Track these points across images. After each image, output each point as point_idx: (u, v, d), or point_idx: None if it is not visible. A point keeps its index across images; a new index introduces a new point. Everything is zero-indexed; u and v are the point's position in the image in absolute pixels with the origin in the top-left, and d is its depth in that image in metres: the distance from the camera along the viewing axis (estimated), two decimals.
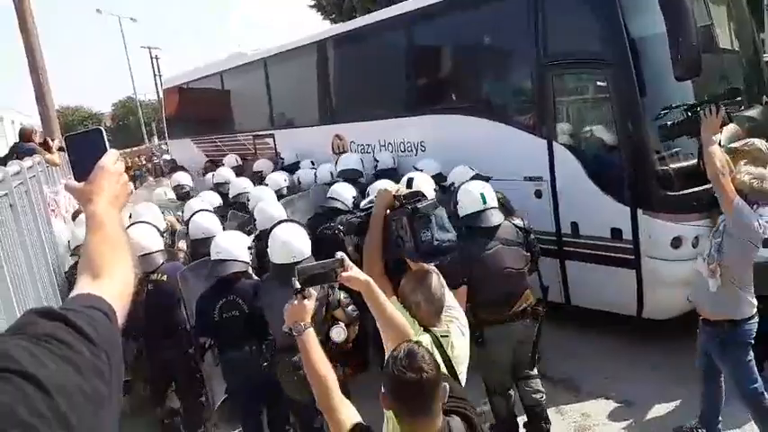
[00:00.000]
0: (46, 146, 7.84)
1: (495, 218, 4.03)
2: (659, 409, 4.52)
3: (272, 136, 10.09)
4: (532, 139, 5.86)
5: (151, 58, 37.39)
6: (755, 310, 3.67)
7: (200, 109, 12.80)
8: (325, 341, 3.46)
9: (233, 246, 4.14)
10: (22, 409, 0.74)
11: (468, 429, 2.08)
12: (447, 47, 7.29)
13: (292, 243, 3.79)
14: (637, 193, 5.08)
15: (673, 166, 5.08)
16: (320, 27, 8.93)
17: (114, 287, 1.08)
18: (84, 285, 1.07)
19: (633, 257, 5.14)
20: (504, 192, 4.81)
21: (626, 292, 5.23)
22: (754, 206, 3.51)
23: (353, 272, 2.24)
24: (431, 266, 2.81)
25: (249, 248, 4.25)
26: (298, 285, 2.14)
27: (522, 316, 3.96)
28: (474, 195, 4.07)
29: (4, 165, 4.58)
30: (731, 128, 4.47)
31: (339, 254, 2.27)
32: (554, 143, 5.67)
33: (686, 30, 4.57)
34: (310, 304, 2.17)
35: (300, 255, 3.73)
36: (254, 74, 10.29)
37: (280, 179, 7.21)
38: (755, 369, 3.73)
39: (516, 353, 4.00)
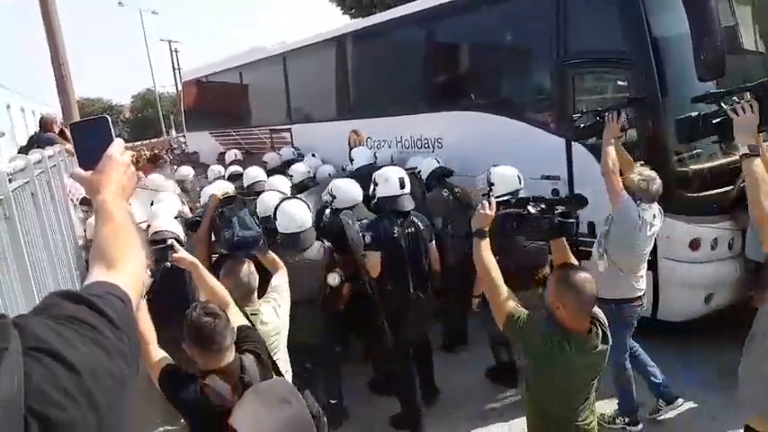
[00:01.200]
0: (64, 136, 7.93)
1: (408, 204, 4.67)
2: (669, 412, 4.48)
3: (289, 130, 10.13)
4: (551, 137, 5.83)
5: (171, 51, 37.66)
6: (640, 292, 4.18)
7: (219, 102, 12.88)
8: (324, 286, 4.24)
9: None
10: (51, 388, 0.75)
11: (258, 362, 2.56)
12: (466, 44, 7.26)
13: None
14: None
15: (692, 167, 5.03)
16: (336, 23, 8.95)
17: (128, 278, 1.09)
18: (97, 275, 1.08)
19: (650, 258, 5.08)
20: (523, 190, 4.80)
21: None
22: (638, 202, 4.00)
23: (182, 254, 2.95)
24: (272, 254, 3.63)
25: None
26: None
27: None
28: (393, 181, 4.71)
29: (26, 154, 4.63)
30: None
31: (169, 241, 3.09)
32: (573, 142, 5.63)
33: (710, 30, 4.50)
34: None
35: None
36: (272, 68, 10.33)
37: (303, 169, 7.23)
38: (627, 343, 4.26)
39: None
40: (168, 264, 3.18)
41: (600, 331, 2.67)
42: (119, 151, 1.28)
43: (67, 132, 7.99)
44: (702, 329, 5.08)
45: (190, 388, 2.42)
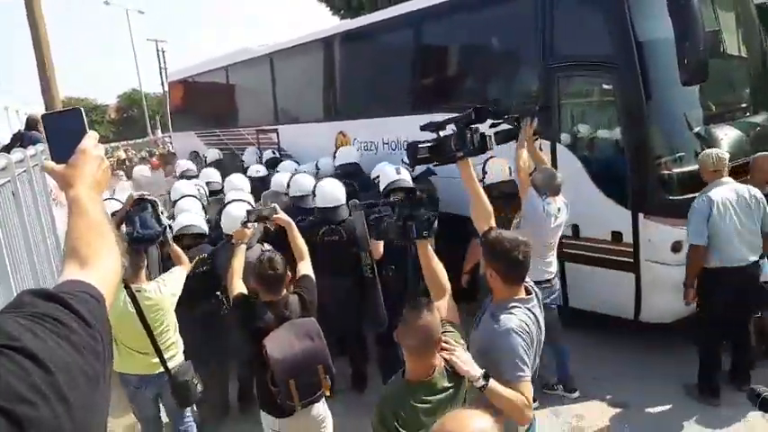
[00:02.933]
0: None
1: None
2: (653, 412, 4.54)
3: (275, 131, 10.09)
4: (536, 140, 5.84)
5: (157, 50, 37.42)
6: (548, 276, 4.63)
7: (205, 102, 12.81)
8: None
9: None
10: (22, 385, 0.74)
11: (300, 302, 3.33)
12: (453, 46, 7.27)
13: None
14: (639, 197, 5.08)
15: (675, 170, 5.08)
16: (325, 23, 8.93)
17: (102, 276, 1.06)
18: (71, 273, 1.05)
19: (633, 261, 5.14)
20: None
21: (624, 296, 5.23)
22: (543, 196, 4.51)
23: (281, 215, 3.71)
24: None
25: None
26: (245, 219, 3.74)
27: None
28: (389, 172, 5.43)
29: (8, 152, 4.58)
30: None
31: (273, 205, 3.84)
32: (558, 145, 5.66)
33: (694, 34, 4.56)
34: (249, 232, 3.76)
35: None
36: (259, 69, 10.29)
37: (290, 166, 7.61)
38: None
39: None
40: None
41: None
42: (92, 144, 1.24)
43: None
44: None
45: (248, 311, 3.29)
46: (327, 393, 3.27)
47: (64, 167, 1.20)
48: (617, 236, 5.21)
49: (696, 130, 5.34)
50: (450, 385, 2.38)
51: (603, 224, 5.27)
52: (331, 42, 8.76)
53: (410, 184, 5.60)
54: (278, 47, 9.95)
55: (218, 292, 4.73)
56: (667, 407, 4.56)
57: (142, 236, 3.99)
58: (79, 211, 1.15)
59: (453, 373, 2.38)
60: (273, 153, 9.39)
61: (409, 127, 7.32)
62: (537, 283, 3.97)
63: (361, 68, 8.52)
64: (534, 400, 4.51)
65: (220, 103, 12.04)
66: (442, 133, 3.22)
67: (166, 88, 15.42)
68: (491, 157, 5.46)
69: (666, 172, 5.08)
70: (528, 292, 2.73)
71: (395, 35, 7.82)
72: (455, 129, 3.17)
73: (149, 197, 4.22)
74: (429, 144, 3.29)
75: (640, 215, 5.05)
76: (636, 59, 5.04)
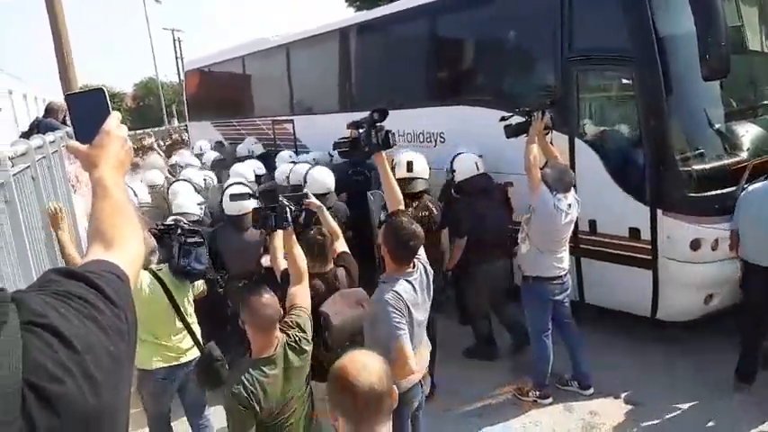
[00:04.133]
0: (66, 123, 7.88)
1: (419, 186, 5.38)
2: (668, 412, 4.50)
3: (291, 122, 10.09)
4: (554, 134, 5.80)
5: (174, 39, 37.59)
6: (559, 272, 4.67)
7: (221, 92, 12.84)
8: None
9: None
10: (49, 362, 0.75)
11: (347, 275, 3.61)
12: (471, 38, 7.22)
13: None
14: (657, 193, 5.02)
15: (695, 167, 5.02)
16: (340, 14, 8.93)
17: (126, 257, 1.06)
18: (96, 254, 1.05)
19: (650, 258, 5.09)
20: (520, 185, 5.05)
21: (641, 293, 5.19)
22: (554, 192, 4.49)
23: (312, 199, 3.78)
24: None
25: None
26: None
27: None
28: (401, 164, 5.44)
29: (27, 139, 4.61)
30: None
31: (306, 191, 4.00)
32: (576, 139, 5.61)
33: (716, 29, 4.49)
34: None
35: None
36: (275, 59, 10.29)
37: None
38: (548, 320, 4.75)
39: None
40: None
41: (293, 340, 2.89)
42: (116, 124, 1.25)
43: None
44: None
45: None
46: None
47: (88, 148, 1.21)
48: (635, 232, 5.17)
49: (717, 126, 5.27)
50: (293, 359, 2.83)
51: (621, 220, 5.23)
52: (347, 33, 8.74)
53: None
54: (294, 37, 9.94)
55: (219, 275, 5.03)
56: (683, 406, 4.53)
57: (194, 270, 4.01)
58: (104, 193, 1.15)
59: (297, 348, 2.86)
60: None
61: (425, 119, 7.36)
62: (547, 279, 4.64)
63: (377, 60, 8.49)
64: (547, 396, 4.63)
65: (236, 92, 12.06)
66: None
67: (182, 77, 15.44)
68: (459, 154, 5.76)
69: (686, 168, 5.01)
70: (414, 266, 3.28)
71: (412, 27, 7.78)
72: (365, 127, 3.71)
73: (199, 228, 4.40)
74: (347, 140, 3.99)
75: (659, 211, 5.00)
76: (656, 54, 4.97)
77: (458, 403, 4.79)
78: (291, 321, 2.93)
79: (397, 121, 7.62)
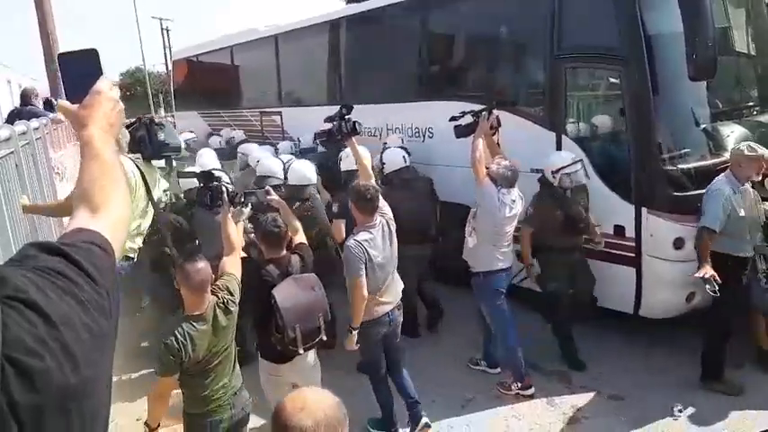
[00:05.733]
0: (51, 107, 7.81)
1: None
2: (648, 405, 4.54)
3: (279, 113, 10.06)
4: (541, 131, 5.84)
5: (162, 28, 37.26)
6: (504, 265, 4.85)
7: (209, 82, 12.75)
8: None
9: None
10: (29, 337, 0.74)
11: (300, 261, 3.80)
12: (460, 34, 7.24)
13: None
14: (642, 192, 5.07)
15: (680, 166, 5.06)
16: (330, 6, 8.81)
17: (112, 224, 1.05)
18: (81, 219, 1.03)
19: (634, 255, 5.14)
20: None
21: (624, 290, 5.23)
22: (498, 187, 4.67)
23: (273, 196, 4.18)
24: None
25: None
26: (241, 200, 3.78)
27: None
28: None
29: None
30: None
31: (267, 188, 4.34)
32: (563, 136, 5.65)
33: (704, 30, 4.53)
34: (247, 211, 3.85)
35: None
36: (264, 50, 10.24)
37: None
38: (506, 310, 4.91)
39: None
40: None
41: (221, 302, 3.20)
42: (108, 86, 1.23)
43: (55, 102, 7.88)
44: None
45: (254, 270, 3.63)
46: (324, 339, 3.73)
47: (78, 107, 1.19)
48: (620, 230, 5.21)
49: (703, 126, 5.32)
50: (221, 317, 3.15)
51: (606, 217, 5.26)
52: (337, 25, 8.71)
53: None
54: (284, 28, 9.89)
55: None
56: (661, 400, 4.57)
57: (166, 143, 4.11)
58: (92, 154, 1.13)
59: (224, 308, 3.17)
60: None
61: (414, 113, 7.36)
62: (494, 272, 4.84)
63: (367, 53, 8.48)
64: (529, 386, 4.67)
65: (225, 83, 11.99)
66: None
67: (170, 67, 15.30)
68: (387, 149, 6.19)
69: (671, 167, 5.05)
70: (376, 220, 4.04)
71: (402, 21, 7.77)
72: (336, 120, 4.70)
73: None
74: (325, 130, 4.90)
75: (644, 209, 5.04)
76: (644, 53, 5.01)
77: (441, 395, 4.81)
78: (222, 285, 3.24)
79: (385, 115, 7.71)
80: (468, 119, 5.29)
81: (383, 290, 4.10)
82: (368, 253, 3.93)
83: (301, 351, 3.57)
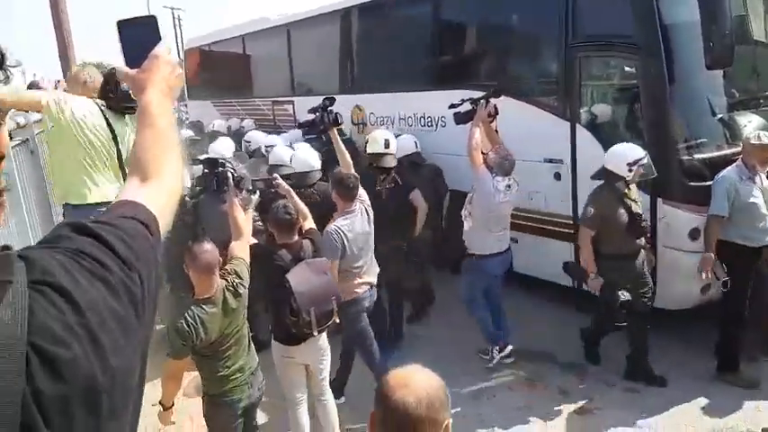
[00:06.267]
0: None
1: (390, 162, 5.81)
2: (662, 399, 4.52)
3: (291, 103, 10.04)
4: (556, 120, 5.79)
5: (173, 18, 37.26)
6: (499, 249, 5.04)
7: (221, 72, 12.74)
8: None
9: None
10: (56, 324, 0.71)
11: (312, 245, 3.90)
12: (473, 22, 7.17)
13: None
14: (658, 182, 5.01)
15: (696, 156, 5.01)
16: None
17: (161, 194, 1.03)
18: (130, 189, 1.02)
19: (650, 246, 5.08)
20: (521, 172, 5.08)
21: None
22: (494, 174, 4.85)
23: (280, 181, 4.39)
24: None
25: None
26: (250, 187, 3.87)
27: None
28: (379, 141, 5.88)
29: None
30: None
31: (275, 174, 4.69)
32: (578, 126, 5.60)
33: (721, 18, 4.47)
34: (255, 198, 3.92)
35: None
36: (276, 39, 10.21)
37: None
38: (480, 291, 5.15)
39: None
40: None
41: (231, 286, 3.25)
42: (166, 51, 1.23)
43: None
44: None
45: (267, 255, 3.77)
46: (338, 320, 3.83)
47: (137, 71, 1.19)
48: None
49: (719, 116, 5.26)
50: (231, 300, 3.20)
51: None
52: (349, 14, 8.66)
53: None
54: (296, 17, 9.85)
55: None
56: (676, 392, 4.56)
57: (129, 94, 3.95)
58: (148, 121, 1.12)
59: (234, 291, 3.22)
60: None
61: (425, 103, 7.32)
62: (488, 256, 5.03)
63: (379, 42, 8.42)
64: (505, 347, 5.11)
65: (237, 72, 11.97)
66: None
67: (182, 57, 15.31)
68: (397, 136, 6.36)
69: (687, 157, 5.00)
70: (354, 206, 4.32)
71: (415, 9, 7.72)
72: (319, 111, 5.00)
73: None
74: (309, 121, 5.15)
75: (659, 200, 5.00)
76: (660, 42, 4.95)
77: (453, 386, 4.81)
78: (230, 269, 3.31)
79: (397, 104, 7.67)
80: (467, 106, 5.35)
81: (363, 270, 4.41)
82: (346, 237, 4.20)
83: (316, 333, 3.70)
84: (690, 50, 4.82)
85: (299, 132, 8.27)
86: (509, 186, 4.92)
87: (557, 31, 5.75)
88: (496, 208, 4.92)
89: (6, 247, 0.77)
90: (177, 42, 35.00)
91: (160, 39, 1.25)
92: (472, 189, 5.05)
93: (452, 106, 5.54)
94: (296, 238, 3.90)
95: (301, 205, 4.17)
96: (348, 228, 4.26)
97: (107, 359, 0.75)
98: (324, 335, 3.93)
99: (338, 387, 4.56)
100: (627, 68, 5.57)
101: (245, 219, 3.58)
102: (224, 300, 3.19)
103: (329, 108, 4.94)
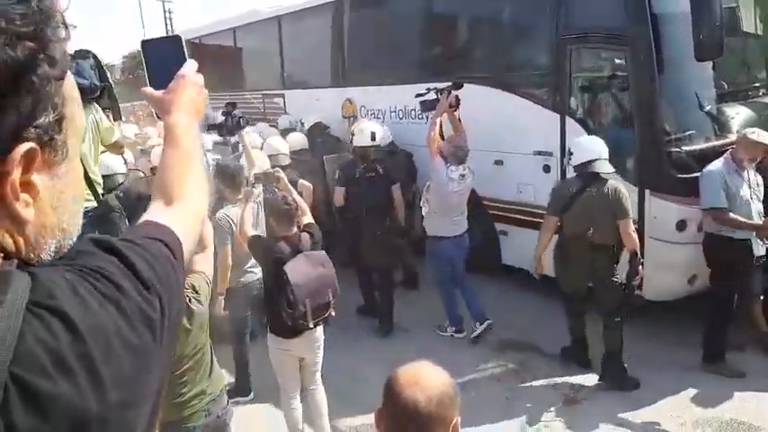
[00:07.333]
0: None
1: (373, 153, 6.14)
2: (647, 388, 4.54)
3: (282, 96, 10.01)
4: (545, 112, 5.79)
5: (164, 11, 37.04)
6: (455, 233, 5.37)
7: (212, 65, 12.62)
8: None
9: None
10: (45, 353, 0.64)
11: (310, 239, 3.91)
12: (464, 14, 7.16)
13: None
14: (646, 174, 5.03)
15: (685, 148, 5.02)
16: None
17: (187, 218, 1.00)
18: (154, 211, 0.99)
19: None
20: (510, 164, 4.94)
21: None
22: (448, 163, 5.15)
23: (284, 179, 4.49)
24: None
25: None
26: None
27: None
28: (366, 133, 6.13)
29: None
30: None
31: (277, 169, 4.72)
32: (567, 118, 5.60)
33: (710, 9, 4.49)
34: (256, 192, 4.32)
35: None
36: (267, 32, 10.16)
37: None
38: (448, 272, 5.49)
39: None
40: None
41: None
42: (193, 71, 1.21)
43: None
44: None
45: (266, 246, 3.88)
46: (333, 314, 3.88)
47: (163, 92, 1.17)
48: None
49: (707, 107, 5.27)
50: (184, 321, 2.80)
51: None
52: (341, 6, 8.62)
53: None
54: (287, 9, 9.80)
55: None
56: (665, 382, 4.58)
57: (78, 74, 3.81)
58: (173, 142, 1.10)
59: (187, 309, 2.85)
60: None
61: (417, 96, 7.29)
62: (446, 237, 5.36)
63: (370, 34, 8.39)
64: (461, 331, 5.47)
65: (227, 65, 11.90)
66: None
67: None
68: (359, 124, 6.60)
69: (675, 149, 5.02)
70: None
71: (406, 1, 7.70)
72: (223, 115, 5.30)
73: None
74: (216, 124, 5.39)
75: (647, 191, 5.01)
76: (650, 34, 4.95)
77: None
78: (187, 283, 2.92)
79: (389, 96, 7.65)
80: (433, 95, 5.73)
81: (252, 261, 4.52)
82: (234, 226, 4.36)
83: (311, 325, 3.74)
84: (679, 42, 4.83)
85: (265, 125, 8.69)
86: (463, 176, 5.19)
87: (546, 23, 5.75)
88: (450, 196, 5.24)
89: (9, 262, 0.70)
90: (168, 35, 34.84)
91: (186, 59, 1.23)
92: (429, 178, 5.36)
93: (419, 95, 5.90)
94: (294, 230, 3.92)
95: (300, 200, 4.17)
96: (235, 216, 4.37)
97: (105, 393, 0.67)
98: (320, 328, 3.96)
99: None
100: (616, 60, 5.57)
101: (210, 229, 3.27)
102: None
103: (233, 113, 5.31)
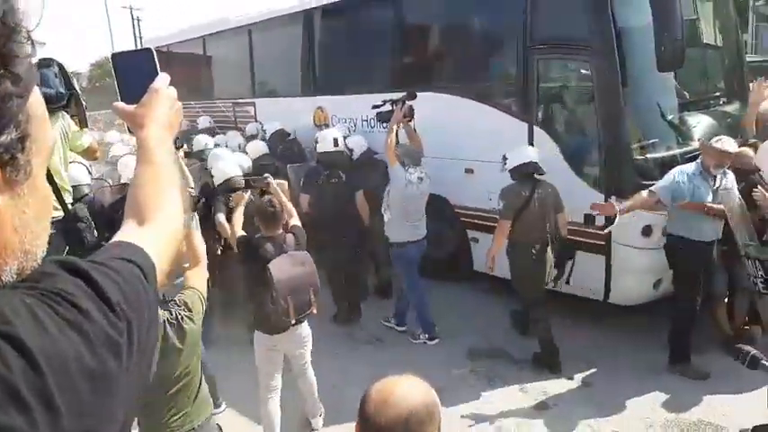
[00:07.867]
0: None
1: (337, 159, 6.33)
2: (616, 392, 4.63)
3: (252, 104, 9.97)
4: (514, 121, 5.89)
5: (132, 18, 36.64)
6: (417, 237, 5.51)
7: (181, 73, 12.51)
8: None
9: None
10: None
11: (294, 240, 4.13)
12: (434, 24, 7.24)
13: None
14: (612, 180, 5.15)
15: (649, 156, 5.15)
16: None
17: (160, 239, 0.96)
18: (127, 231, 0.95)
19: (604, 243, 5.22)
20: (481, 172, 5.00)
21: (594, 278, 5.32)
22: (406, 167, 5.30)
23: (273, 184, 4.61)
24: None
25: None
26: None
27: None
28: (328, 140, 6.35)
29: None
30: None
31: (267, 175, 4.80)
32: (534, 127, 5.70)
33: (673, 22, 4.62)
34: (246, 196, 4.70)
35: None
36: (237, 40, 10.12)
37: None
38: (417, 276, 5.64)
39: None
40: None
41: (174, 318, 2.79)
42: (165, 84, 1.17)
43: None
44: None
45: (252, 246, 4.07)
46: (315, 312, 4.03)
47: (135, 107, 1.14)
48: (590, 219, 5.28)
49: (670, 116, 5.42)
50: (171, 335, 2.71)
51: (577, 207, 5.32)
52: (311, 15, 8.64)
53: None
54: (257, 18, 9.78)
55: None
56: (632, 385, 4.67)
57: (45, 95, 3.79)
58: (146, 157, 1.07)
59: (176, 325, 2.75)
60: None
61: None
62: (408, 243, 5.49)
63: (340, 43, 8.43)
64: (434, 339, 5.54)
65: (197, 74, 11.81)
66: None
67: None
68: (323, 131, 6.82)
69: (640, 157, 5.15)
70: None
71: (375, 11, 7.74)
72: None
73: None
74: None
75: (612, 197, 5.10)
76: (614, 45, 5.08)
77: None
78: (179, 300, 2.85)
79: (361, 105, 7.67)
80: (388, 107, 5.83)
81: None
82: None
83: (293, 321, 3.93)
84: (642, 54, 4.95)
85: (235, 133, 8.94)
86: (421, 179, 5.36)
87: (514, 34, 5.85)
88: (409, 199, 5.36)
89: None
90: (135, 43, 34.47)
91: (158, 72, 1.20)
92: (389, 184, 5.48)
93: (375, 107, 6.05)
94: (280, 231, 4.13)
95: (287, 203, 4.39)
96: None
97: (61, 424, 0.63)
98: (306, 324, 4.16)
99: None
100: (582, 71, 5.69)
101: (203, 244, 3.19)
102: (164, 336, 2.69)
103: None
